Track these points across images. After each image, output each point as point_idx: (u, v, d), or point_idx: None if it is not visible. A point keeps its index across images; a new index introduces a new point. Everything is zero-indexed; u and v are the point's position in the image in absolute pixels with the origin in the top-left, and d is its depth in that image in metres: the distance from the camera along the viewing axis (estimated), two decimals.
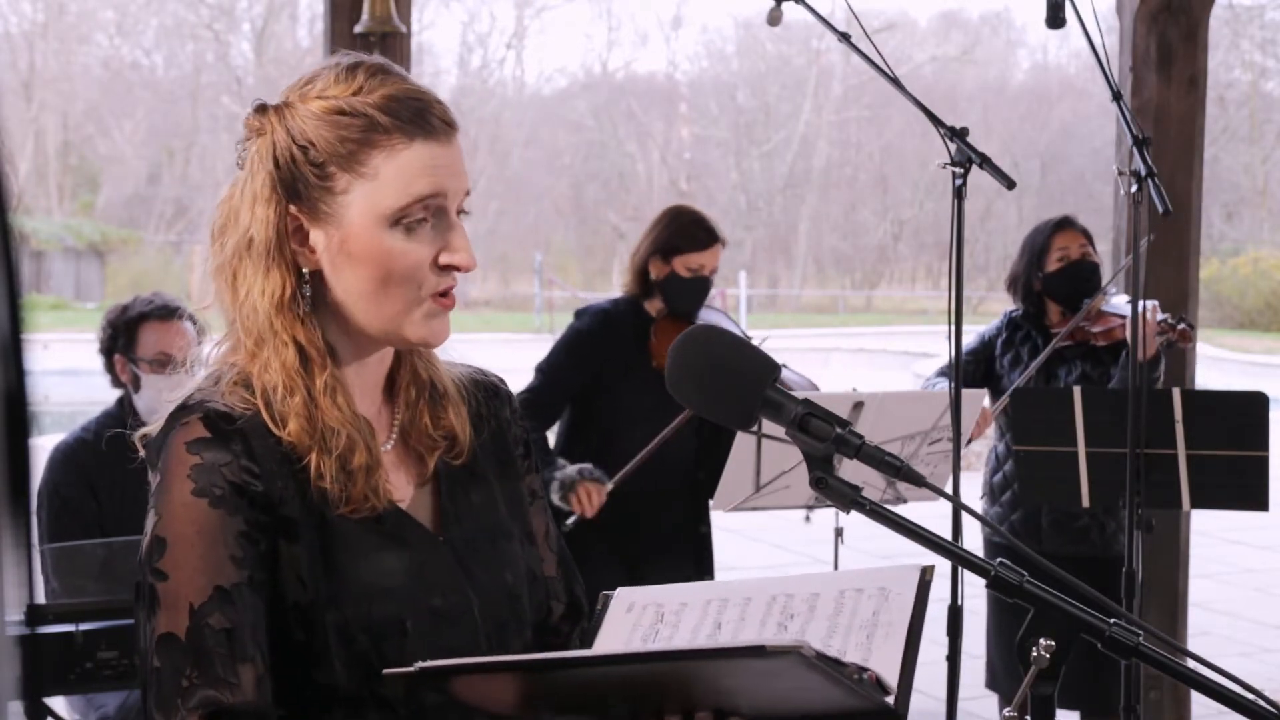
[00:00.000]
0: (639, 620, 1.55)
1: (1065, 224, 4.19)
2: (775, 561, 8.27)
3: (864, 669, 1.31)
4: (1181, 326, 3.90)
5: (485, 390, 1.66)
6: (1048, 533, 4.07)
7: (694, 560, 3.98)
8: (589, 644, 1.56)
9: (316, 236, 1.47)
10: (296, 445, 1.45)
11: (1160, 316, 3.87)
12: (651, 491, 3.87)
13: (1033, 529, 4.09)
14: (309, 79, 1.50)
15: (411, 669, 1.31)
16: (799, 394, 1.43)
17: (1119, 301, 4.13)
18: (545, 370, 3.97)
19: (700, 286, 3.94)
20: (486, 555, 1.55)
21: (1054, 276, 4.12)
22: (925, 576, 1.46)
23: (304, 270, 1.48)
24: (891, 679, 1.37)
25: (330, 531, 1.46)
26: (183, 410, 1.46)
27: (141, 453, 1.49)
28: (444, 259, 1.47)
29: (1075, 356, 4.12)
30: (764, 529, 8.31)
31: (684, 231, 3.93)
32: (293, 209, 1.47)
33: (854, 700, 1.32)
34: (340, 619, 1.44)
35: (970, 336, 4.31)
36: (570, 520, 3.75)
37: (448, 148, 1.48)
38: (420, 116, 1.46)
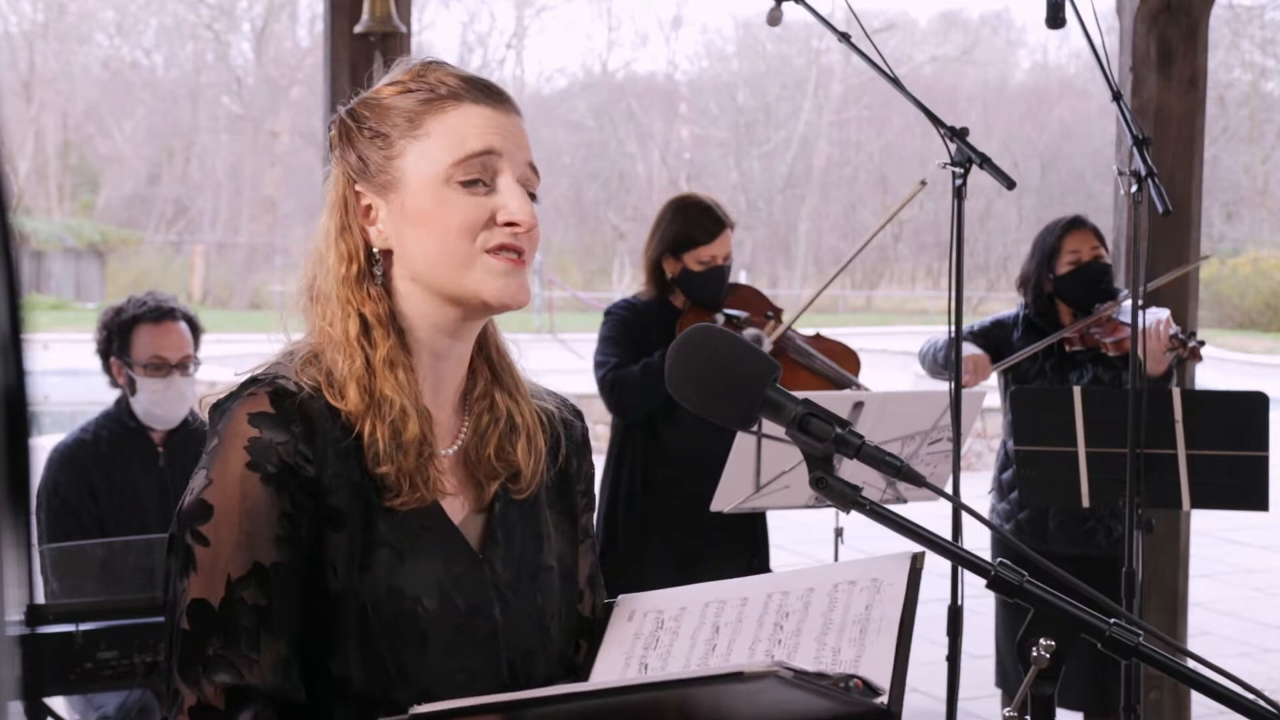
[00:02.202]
0: (640, 629, 1.55)
1: (1077, 224, 4.16)
2: (776, 562, 8.26)
3: (850, 676, 1.30)
4: (1193, 344, 3.89)
5: (565, 424, 1.67)
6: (1054, 534, 4.06)
7: (749, 547, 3.99)
8: (592, 654, 1.56)
9: (381, 210, 1.52)
10: (353, 414, 1.47)
11: (1173, 330, 3.87)
12: (699, 468, 3.87)
13: (1039, 529, 4.08)
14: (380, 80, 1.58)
15: (405, 716, 1.30)
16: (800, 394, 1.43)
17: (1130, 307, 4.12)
18: (615, 355, 3.95)
19: (717, 276, 3.94)
20: (525, 584, 1.55)
21: (1065, 279, 4.11)
22: (916, 564, 1.46)
23: (375, 250, 1.52)
24: (884, 677, 1.36)
25: (375, 526, 1.46)
26: (254, 382, 1.48)
27: (204, 416, 1.51)
28: (501, 216, 1.50)
29: (1086, 361, 4.11)
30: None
31: (690, 225, 3.92)
32: (359, 188, 1.53)
33: (844, 707, 1.32)
34: (365, 614, 1.44)
35: (985, 319, 4.34)
36: None
37: (503, 114, 1.53)
38: (476, 85, 1.52)
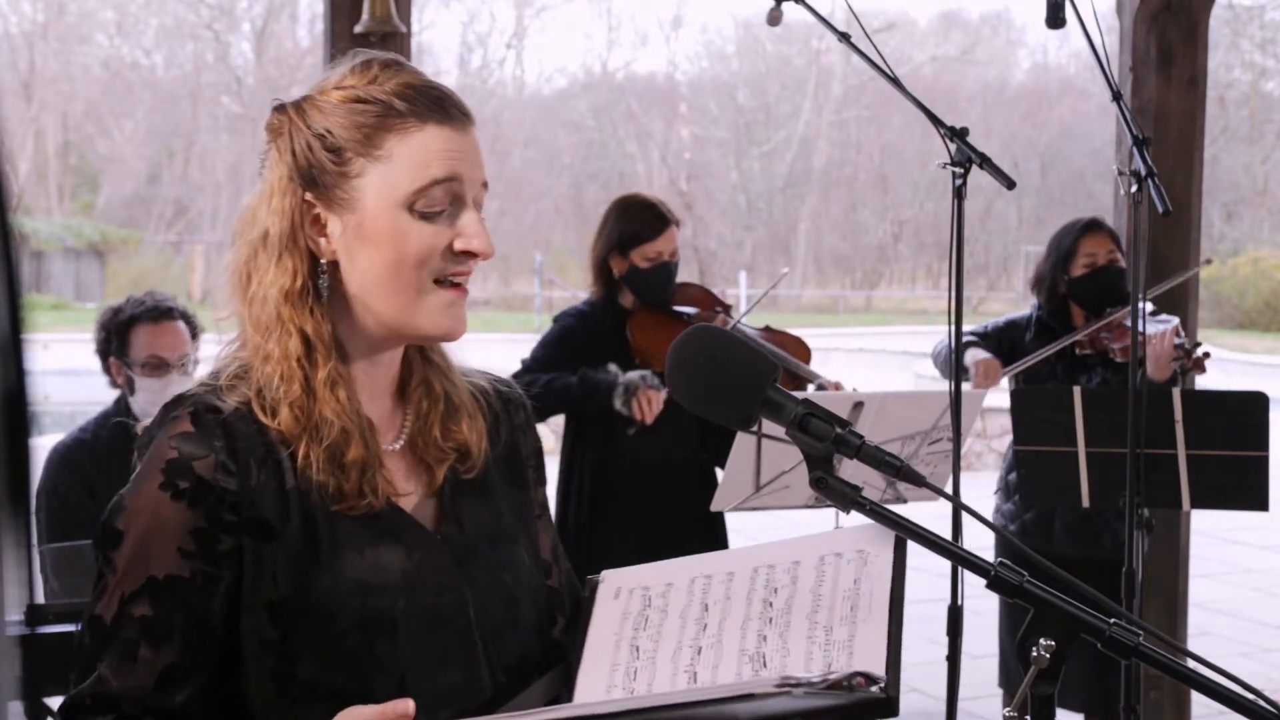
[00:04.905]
0: (627, 607, 1.54)
1: (1094, 227, 4.16)
2: None
3: (854, 674, 1.30)
4: (1198, 355, 3.89)
5: (503, 399, 1.67)
6: (1060, 535, 4.06)
7: (708, 543, 3.99)
8: (581, 635, 1.55)
9: (333, 224, 1.48)
10: (285, 434, 1.46)
11: (1178, 340, 3.87)
12: (657, 475, 3.88)
13: (1045, 530, 4.08)
14: (325, 77, 1.53)
15: None
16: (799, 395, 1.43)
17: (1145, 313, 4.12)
18: (536, 363, 3.97)
19: (664, 273, 3.95)
20: (486, 558, 1.55)
21: (1080, 281, 4.11)
22: (900, 539, 1.45)
23: (321, 260, 1.49)
24: (878, 659, 1.36)
25: (319, 528, 1.45)
26: (177, 403, 1.48)
27: (137, 442, 1.50)
28: (459, 245, 1.48)
29: (1096, 364, 4.12)
30: (762, 528, 8.31)
31: (635, 222, 3.94)
32: (309, 196, 1.48)
33: (845, 702, 1.32)
34: (327, 616, 1.43)
35: (998, 319, 4.34)
36: (631, 430, 3.82)
37: (463, 135, 1.49)
38: (436, 103, 1.48)
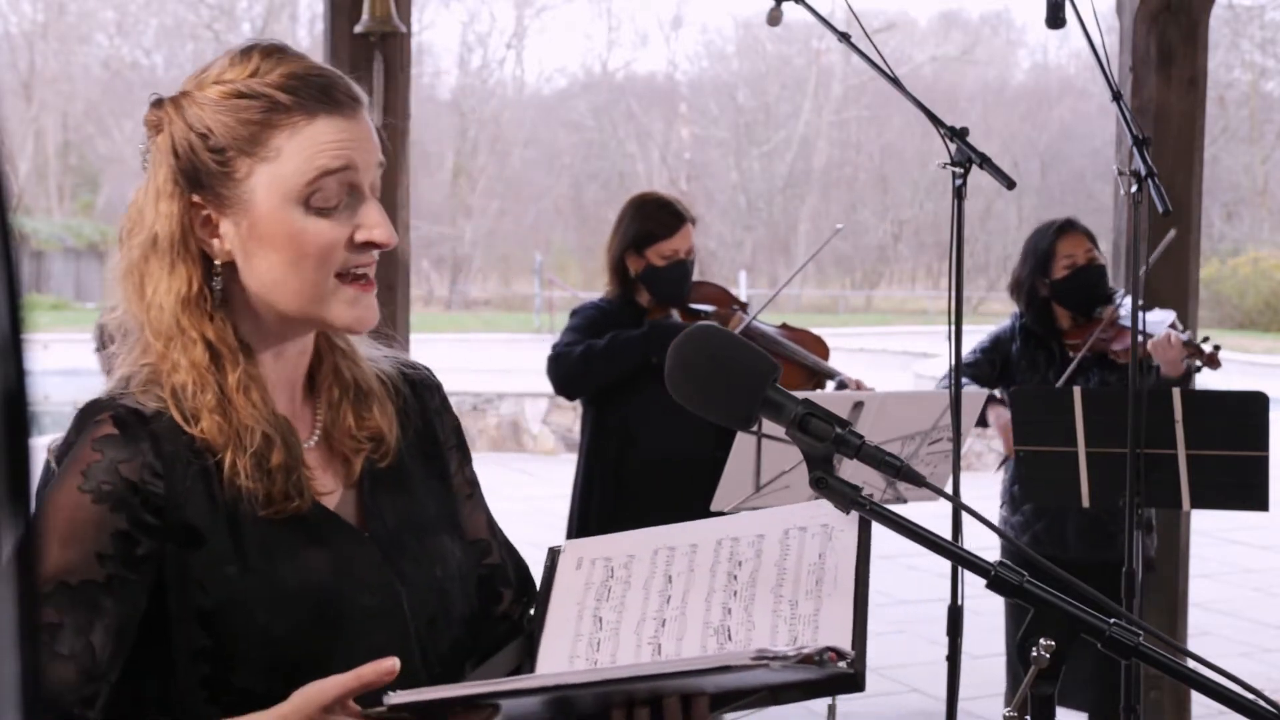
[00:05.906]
0: (590, 578, 1.53)
1: (1069, 227, 4.15)
2: None
3: (825, 650, 1.30)
4: (1210, 350, 3.87)
5: (412, 384, 1.62)
6: (1073, 541, 4.04)
7: None
8: (542, 606, 1.54)
9: (225, 225, 1.43)
10: (210, 443, 1.42)
11: (1184, 337, 3.86)
12: (675, 474, 3.88)
13: (1057, 537, 4.05)
14: (204, 68, 1.47)
15: (383, 708, 1.29)
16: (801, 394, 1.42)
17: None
18: (568, 335, 3.97)
19: (680, 271, 3.94)
20: (414, 551, 1.52)
21: (1062, 284, 4.09)
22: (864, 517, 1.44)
23: (215, 262, 1.44)
24: (844, 635, 1.36)
25: (247, 534, 1.41)
26: (94, 408, 1.43)
27: (50, 459, 1.44)
28: (360, 236, 1.43)
29: (1092, 366, 4.11)
30: None
31: (651, 220, 3.94)
32: (196, 199, 1.43)
33: (815, 676, 1.32)
34: (263, 622, 1.40)
35: (980, 336, 4.32)
36: None
37: (354, 121, 1.43)
38: (323, 92, 1.42)
